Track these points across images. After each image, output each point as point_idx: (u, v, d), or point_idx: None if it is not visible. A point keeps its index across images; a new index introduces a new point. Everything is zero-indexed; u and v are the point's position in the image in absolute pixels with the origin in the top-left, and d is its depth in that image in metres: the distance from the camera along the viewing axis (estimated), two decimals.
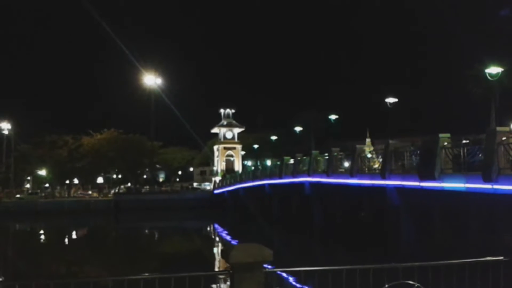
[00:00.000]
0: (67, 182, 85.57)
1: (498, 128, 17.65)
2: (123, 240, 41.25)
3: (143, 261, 27.52)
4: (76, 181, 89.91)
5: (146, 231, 47.81)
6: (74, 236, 45.35)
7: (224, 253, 29.34)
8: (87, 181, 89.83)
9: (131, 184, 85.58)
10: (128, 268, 23.15)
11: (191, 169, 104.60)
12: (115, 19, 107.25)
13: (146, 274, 5.32)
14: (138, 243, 38.67)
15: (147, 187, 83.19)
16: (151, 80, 69.93)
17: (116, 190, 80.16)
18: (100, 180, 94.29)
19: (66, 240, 41.85)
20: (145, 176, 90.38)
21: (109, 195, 74.99)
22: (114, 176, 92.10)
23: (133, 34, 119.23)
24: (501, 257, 6.00)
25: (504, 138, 16.58)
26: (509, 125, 33.22)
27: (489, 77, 34.37)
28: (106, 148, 75.62)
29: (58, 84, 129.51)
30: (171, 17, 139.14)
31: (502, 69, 33.67)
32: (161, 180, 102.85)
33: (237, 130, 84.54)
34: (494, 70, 33.63)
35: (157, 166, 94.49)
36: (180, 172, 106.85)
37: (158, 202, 63.55)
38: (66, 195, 79.80)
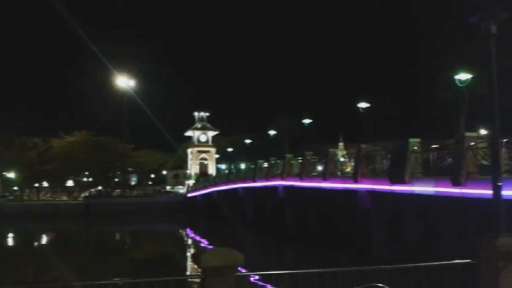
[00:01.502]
0: (37, 185, 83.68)
1: (467, 134, 18.08)
2: (94, 244, 40.49)
3: (114, 265, 27.09)
4: (45, 184, 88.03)
5: (117, 235, 47.09)
6: (43, 240, 44.29)
7: (195, 257, 29.01)
8: (57, 184, 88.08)
9: (102, 187, 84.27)
10: (98, 273, 22.72)
11: (164, 172, 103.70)
12: (88, 20, 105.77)
13: (117, 279, 5.27)
14: (109, 247, 38.04)
15: (119, 190, 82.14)
16: (124, 82, 69.06)
17: (87, 194, 78.79)
18: (70, 183, 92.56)
19: (35, 244, 40.82)
20: (116, 180, 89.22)
21: (79, 199, 73.68)
22: (85, 179, 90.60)
23: (107, 35, 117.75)
24: (469, 260, 6.14)
25: (472, 143, 16.99)
26: (477, 131, 34.04)
27: (458, 84, 35.13)
28: (77, 151, 74.28)
29: (28, 85, 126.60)
30: (145, 19, 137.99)
31: (472, 76, 34.44)
32: (133, 183, 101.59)
33: (211, 133, 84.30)
34: (463, 76, 34.41)
35: (129, 169, 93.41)
36: (153, 176, 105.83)
37: (129, 206, 62.73)
38: (35, 199, 77.99)
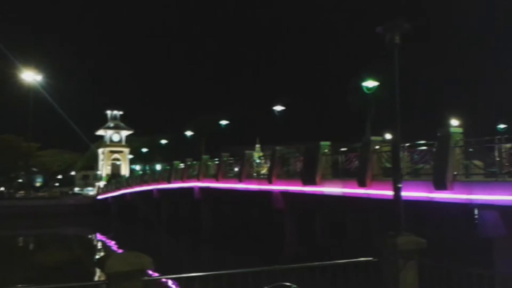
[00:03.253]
0: None
1: (372, 138, 19.10)
2: None
3: (15, 272, 25.24)
4: None
5: (20, 239, 44.02)
6: None
7: (100, 263, 27.89)
8: None
9: (4, 188, 78.73)
10: None
11: (73, 173, 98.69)
12: None
13: (20, 285, 4.98)
14: (10, 252, 35.45)
15: (22, 192, 77.11)
16: (30, 76, 64.69)
17: None
18: None
19: None
20: (20, 180, 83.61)
21: None
22: None
23: (12, 29, 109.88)
24: (372, 258, 6.47)
25: (377, 147, 17.98)
26: (383, 135, 36.10)
27: (365, 90, 37.02)
28: None
29: None
30: (59, 13, 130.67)
31: (378, 83, 36.44)
32: (38, 184, 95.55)
33: (125, 133, 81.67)
34: (370, 83, 36.32)
35: (34, 169, 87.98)
36: (60, 176, 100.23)
37: (34, 208, 59.14)
38: None
